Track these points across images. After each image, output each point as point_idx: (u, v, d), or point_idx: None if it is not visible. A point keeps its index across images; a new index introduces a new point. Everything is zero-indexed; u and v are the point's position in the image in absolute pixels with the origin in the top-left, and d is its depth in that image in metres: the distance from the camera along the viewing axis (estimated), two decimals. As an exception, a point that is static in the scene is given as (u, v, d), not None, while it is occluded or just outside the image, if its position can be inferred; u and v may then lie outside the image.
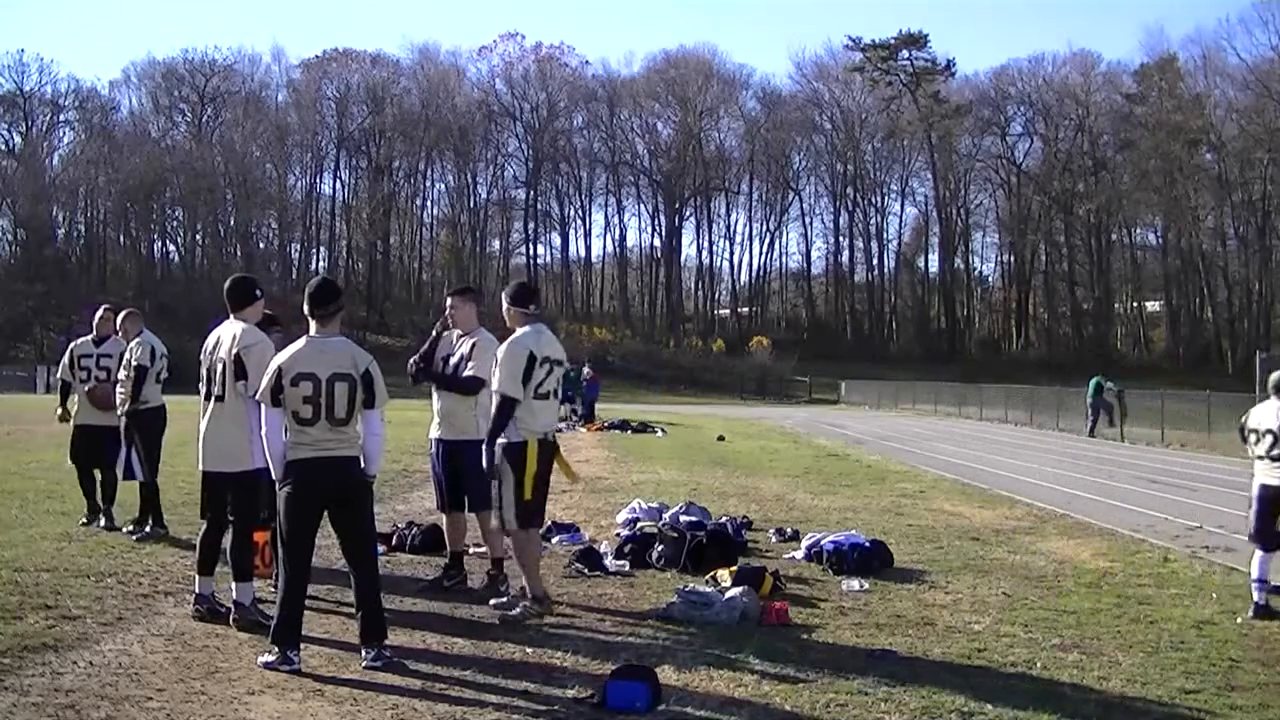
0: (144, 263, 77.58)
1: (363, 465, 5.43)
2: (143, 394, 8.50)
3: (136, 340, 8.67)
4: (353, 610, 5.49)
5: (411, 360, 7.26)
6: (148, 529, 8.52)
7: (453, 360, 7.11)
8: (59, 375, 9.49)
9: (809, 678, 5.16)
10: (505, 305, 6.54)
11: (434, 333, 7.29)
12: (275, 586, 6.73)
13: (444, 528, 7.66)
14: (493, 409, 6.29)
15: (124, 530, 8.57)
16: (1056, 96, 77.88)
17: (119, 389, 8.72)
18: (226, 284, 6.25)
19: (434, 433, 7.24)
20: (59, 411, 9.53)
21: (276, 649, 5.18)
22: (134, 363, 8.53)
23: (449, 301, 7.32)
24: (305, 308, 5.49)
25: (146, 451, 8.56)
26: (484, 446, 6.29)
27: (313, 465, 5.29)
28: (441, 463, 7.18)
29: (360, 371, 5.36)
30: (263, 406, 5.42)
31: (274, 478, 5.44)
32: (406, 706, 4.64)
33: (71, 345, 9.41)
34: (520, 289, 6.70)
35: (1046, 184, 78.06)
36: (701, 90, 79.71)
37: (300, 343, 5.44)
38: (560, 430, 6.71)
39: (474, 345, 7.03)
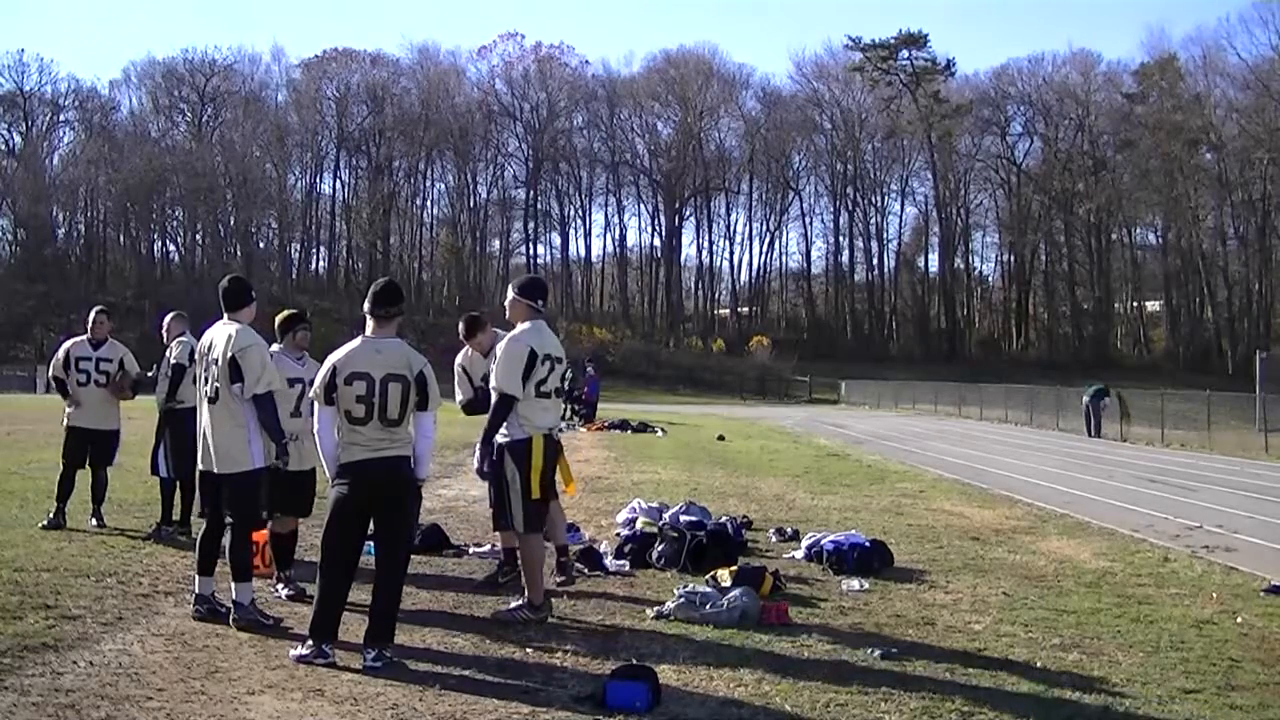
0: (144, 263, 77.64)
1: (413, 466, 5.46)
2: (179, 394, 8.47)
3: (177, 340, 8.63)
4: (359, 609, 5.49)
5: (460, 402, 7.30)
6: (164, 528, 8.52)
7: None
8: (53, 373, 9.17)
9: (809, 678, 5.15)
10: (511, 295, 6.38)
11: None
12: (275, 586, 6.82)
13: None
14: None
15: (167, 531, 8.54)
16: (1056, 96, 77.93)
17: (156, 388, 8.73)
18: (222, 284, 6.26)
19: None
20: (69, 409, 9.03)
21: (312, 643, 5.22)
22: (173, 361, 8.52)
23: (463, 333, 7.28)
24: (366, 306, 5.52)
25: (177, 450, 8.46)
26: (479, 445, 6.26)
27: (366, 466, 5.32)
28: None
29: (414, 374, 5.39)
30: (315, 404, 5.48)
31: (327, 476, 5.49)
32: (406, 706, 4.63)
33: (67, 346, 9.20)
34: (531, 283, 6.53)
35: (1046, 184, 78.07)
36: (701, 90, 79.76)
37: (355, 342, 5.48)
38: (561, 430, 6.65)
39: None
